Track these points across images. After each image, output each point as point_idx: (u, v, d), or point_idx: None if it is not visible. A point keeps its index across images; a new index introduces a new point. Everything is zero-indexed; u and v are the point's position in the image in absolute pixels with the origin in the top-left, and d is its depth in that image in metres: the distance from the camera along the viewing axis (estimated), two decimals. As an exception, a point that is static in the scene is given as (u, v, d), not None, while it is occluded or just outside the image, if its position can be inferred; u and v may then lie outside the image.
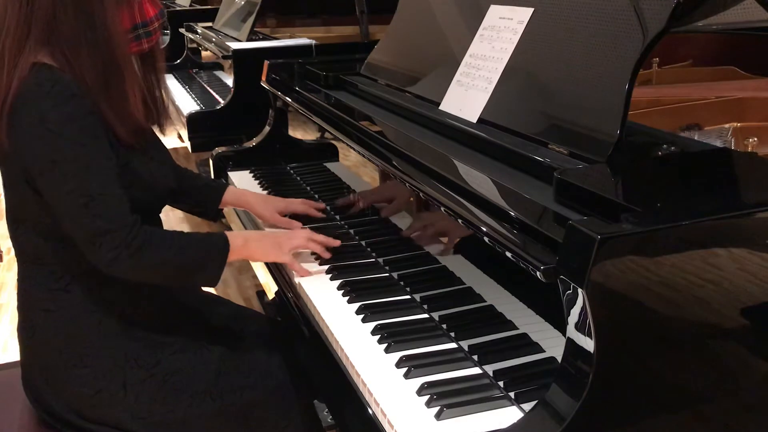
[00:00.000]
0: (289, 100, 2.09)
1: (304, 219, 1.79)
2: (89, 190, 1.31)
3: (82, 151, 1.31)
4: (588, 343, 0.93)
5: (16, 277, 1.51)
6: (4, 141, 1.32)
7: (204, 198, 1.80)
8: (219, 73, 3.72)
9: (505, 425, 0.98)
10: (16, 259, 1.49)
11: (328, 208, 1.90)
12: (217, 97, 3.35)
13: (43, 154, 1.30)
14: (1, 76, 1.32)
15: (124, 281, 1.42)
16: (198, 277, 1.46)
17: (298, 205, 1.80)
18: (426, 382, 1.13)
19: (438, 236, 1.51)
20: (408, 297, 1.43)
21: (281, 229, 1.74)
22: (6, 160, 1.39)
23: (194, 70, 4.03)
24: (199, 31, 3.69)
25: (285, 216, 1.78)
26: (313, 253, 1.62)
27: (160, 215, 1.59)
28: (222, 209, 1.89)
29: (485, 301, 1.35)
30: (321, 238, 1.59)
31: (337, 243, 1.59)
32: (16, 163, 1.35)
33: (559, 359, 0.98)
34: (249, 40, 3.16)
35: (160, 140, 1.59)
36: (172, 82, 3.83)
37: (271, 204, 1.80)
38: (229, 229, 2.13)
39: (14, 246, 1.47)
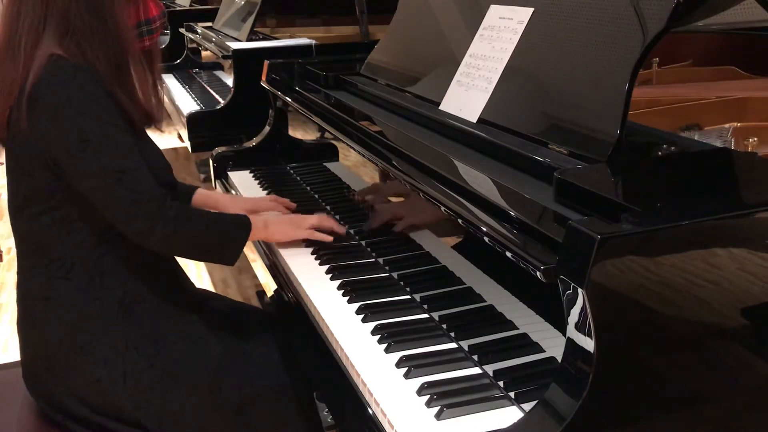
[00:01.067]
0: (289, 100, 2.09)
1: None
2: (122, 165, 1.38)
3: (110, 129, 1.38)
4: (588, 343, 0.93)
5: (15, 277, 1.51)
6: (23, 127, 1.36)
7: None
8: (219, 73, 3.72)
9: (505, 425, 0.98)
10: (16, 253, 1.49)
11: (328, 207, 1.90)
12: (217, 97, 3.35)
13: (72, 135, 1.36)
14: (16, 68, 1.38)
15: (124, 268, 1.46)
16: (220, 253, 1.53)
17: (266, 202, 1.82)
18: (426, 382, 1.13)
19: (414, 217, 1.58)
20: (408, 297, 1.43)
21: None
22: (20, 147, 1.41)
23: (194, 70, 4.03)
24: (199, 31, 3.69)
25: None
26: (312, 253, 1.63)
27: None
28: None
29: (485, 301, 1.35)
30: (330, 221, 1.67)
31: (342, 231, 1.67)
32: (35, 149, 1.38)
33: (559, 359, 0.98)
34: (249, 40, 3.16)
35: (152, 140, 1.61)
36: (172, 82, 3.83)
37: (240, 203, 1.83)
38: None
39: (15, 237, 1.48)
